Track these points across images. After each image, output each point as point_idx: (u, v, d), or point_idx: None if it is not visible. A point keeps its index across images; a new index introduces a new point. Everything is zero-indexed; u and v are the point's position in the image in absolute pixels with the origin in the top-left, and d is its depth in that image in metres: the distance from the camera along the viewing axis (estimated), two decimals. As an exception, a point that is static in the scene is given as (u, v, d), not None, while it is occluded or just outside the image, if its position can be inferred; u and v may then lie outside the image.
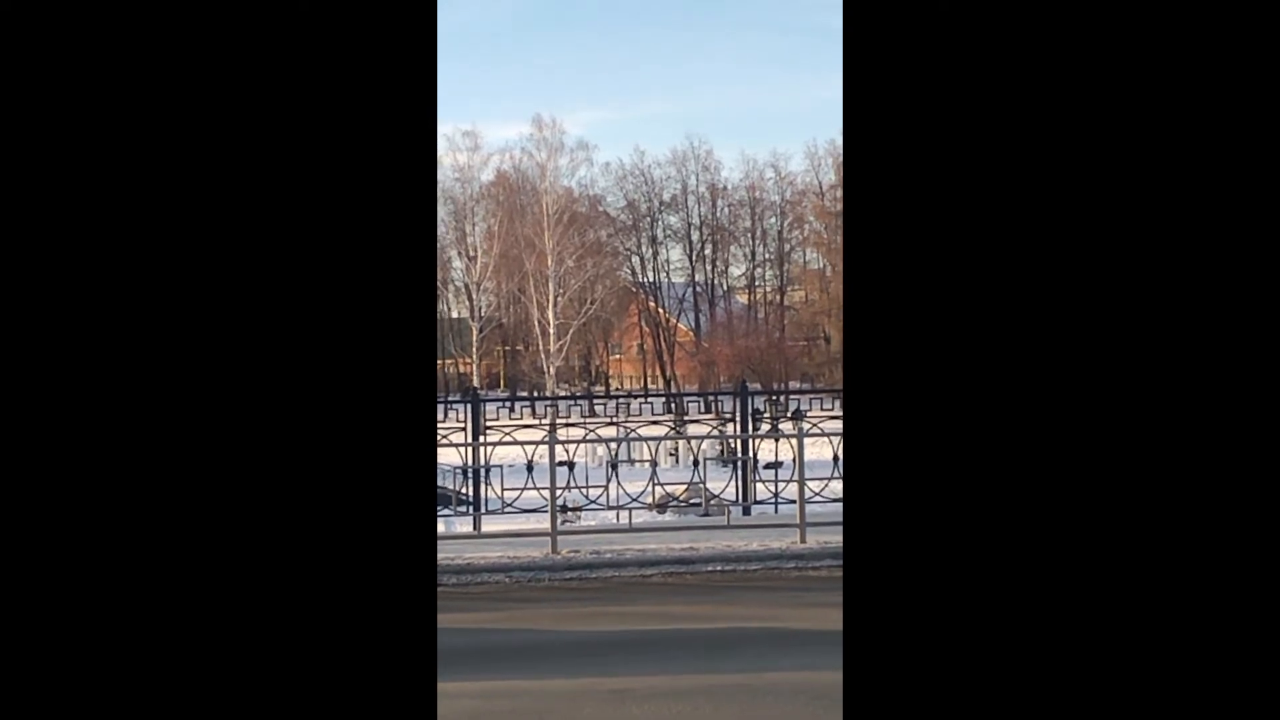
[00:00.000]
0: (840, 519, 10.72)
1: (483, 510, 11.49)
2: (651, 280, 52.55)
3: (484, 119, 76.07)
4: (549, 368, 42.84)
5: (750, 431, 12.93)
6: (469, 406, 12.61)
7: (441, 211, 46.59)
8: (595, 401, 16.60)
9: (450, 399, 14.94)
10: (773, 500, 11.67)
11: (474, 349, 46.49)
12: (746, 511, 12.01)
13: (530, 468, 10.94)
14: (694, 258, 53.48)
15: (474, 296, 47.21)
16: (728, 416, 14.09)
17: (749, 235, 53.79)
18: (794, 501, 10.61)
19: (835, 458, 11.15)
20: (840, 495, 11.02)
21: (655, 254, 53.30)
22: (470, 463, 11.79)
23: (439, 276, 47.03)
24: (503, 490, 11.22)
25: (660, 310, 51.80)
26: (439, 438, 11.76)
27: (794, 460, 11.02)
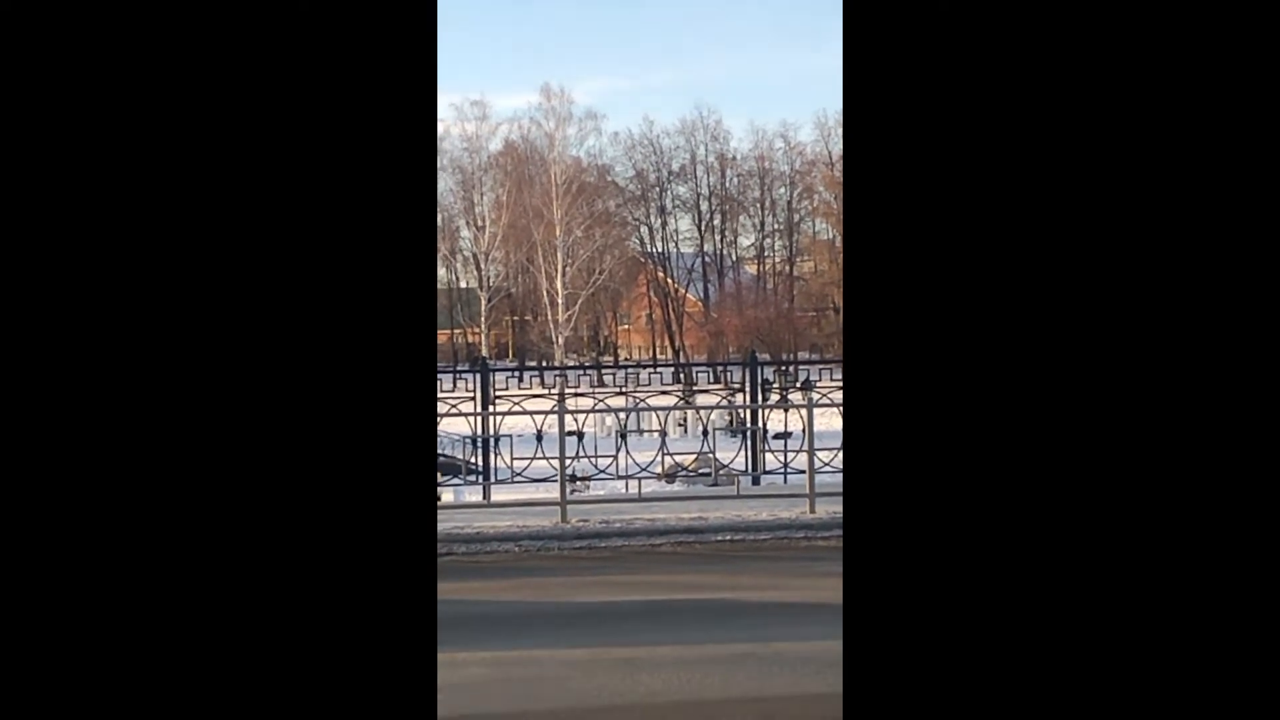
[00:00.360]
0: None
1: (492, 479, 11.55)
2: (660, 250, 52.45)
3: (492, 88, 76.02)
4: (557, 338, 42.82)
5: (759, 402, 12.90)
6: (478, 376, 12.58)
7: (450, 181, 46.54)
8: (604, 371, 16.66)
9: (459, 369, 14.90)
10: (782, 470, 11.69)
11: (482, 319, 46.52)
12: (755, 481, 12.04)
13: (539, 437, 10.94)
14: (703, 228, 53.37)
15: (482, 266, 47.18)
16: (736, 387, 14.07)
17: (758, 205, 53.64)
18: (803, 472, 10.66)
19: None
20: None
21: (664, 224, 53.19)
22: (479, 432, 11.83)
23: (447, 247, 46.96)
24: (512, 460, 11.25)
25: (669, 280, 51.71)
26: (448, 408, 11.79)
27: (803, 430, 11.04)
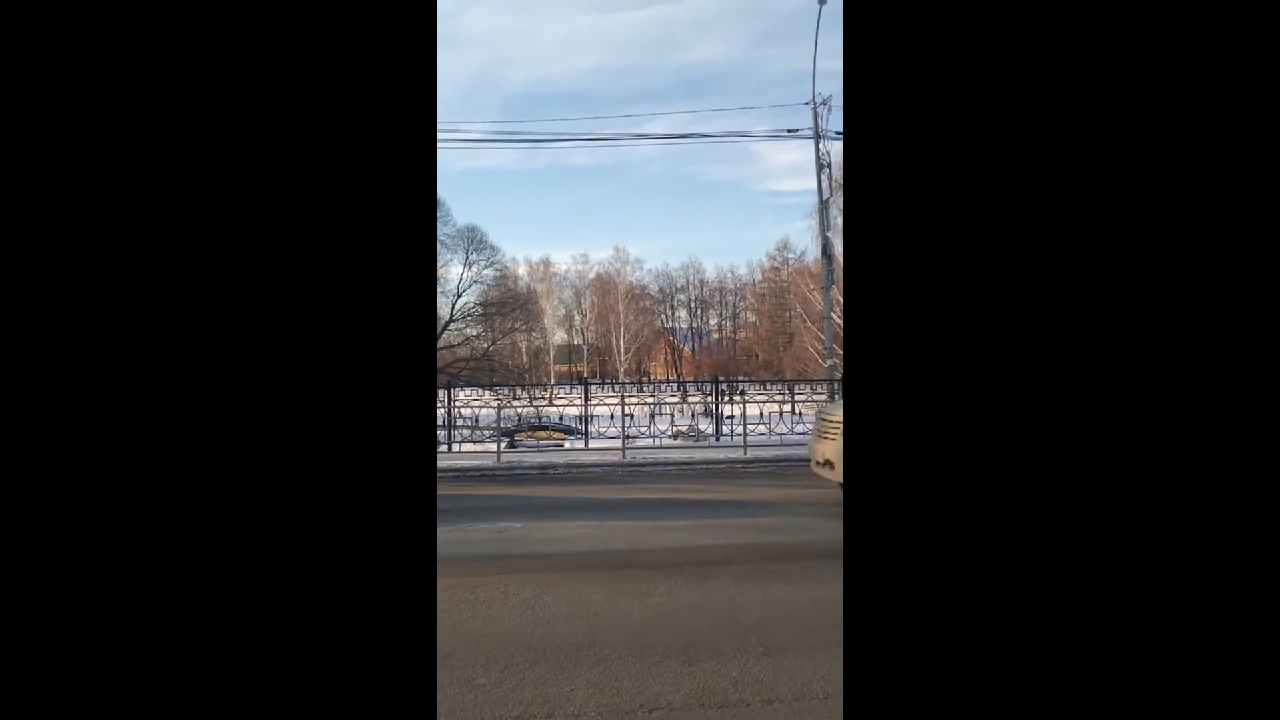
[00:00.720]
0: (764, 445, 10.69)
1: (590, 437, 11.47)
2: (670, 326, 53.00)
3: (590, 247, 76.28)
4: (621, 368, 42.92)
5: (718, 400, 12.83)
6: (584, 386, 12.65)
7: (570, 293, 47.57)
8: (643, 384, 16.58)
9: (573, 383, 15.01)
10: (729, 434, 11.61)
11: (585, 359, 46.87)
12: (717, 439, 11.93)
13: (612, 416, 10.95)
14: (691, 315, 53.89)
15: (584, 335, 47.85)
16: (708, 393, 14.00)
17: (719, 304, 54.05)
18: (740, 434, 10.50)
19: (760, 413, 11.27)
20: (764, 434, 10.92)
21: (673, 313, 53.68)
22: (584, 414, 11.81)
23: (568, 324, 47.81)
24: (599, 427, 11.28)
25: (675, 341, 52.21)
26: (568, 401, 11.76)
27: (741, 414, 10.95)
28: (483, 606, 3.67)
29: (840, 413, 6.16)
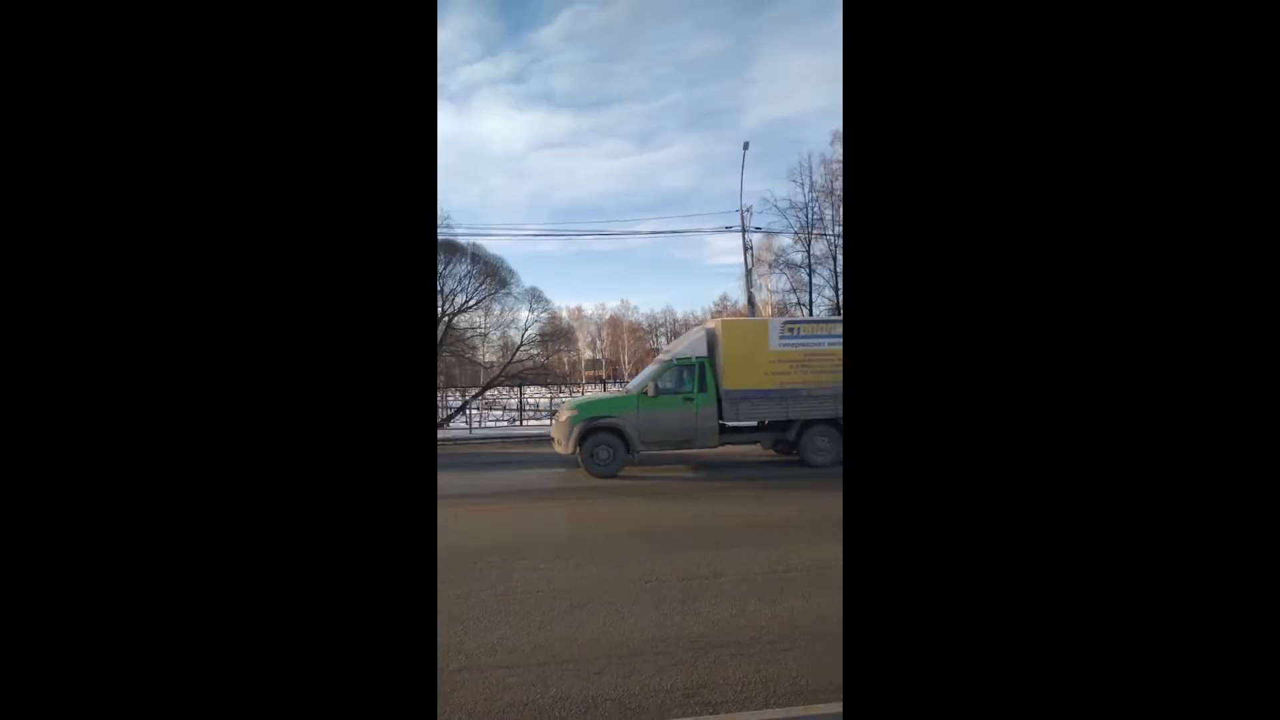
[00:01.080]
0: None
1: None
2: (656, 347, 51.22)
3: (606, 299, 78.64)
4: (626, 373, 43.34)
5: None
6: (603, 384, 12.71)
7: (592, 328, 50.24)
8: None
9: (596, 382, 15.08)
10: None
11: (603, 368, 47.87)
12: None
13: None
14: (669, 340, 53.37)
15: (603, 353, 49.77)
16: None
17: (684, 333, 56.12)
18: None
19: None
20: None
21: (657, 339, 54.59)
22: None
23: (595, 347, 49.35)
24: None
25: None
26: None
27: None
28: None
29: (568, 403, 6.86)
